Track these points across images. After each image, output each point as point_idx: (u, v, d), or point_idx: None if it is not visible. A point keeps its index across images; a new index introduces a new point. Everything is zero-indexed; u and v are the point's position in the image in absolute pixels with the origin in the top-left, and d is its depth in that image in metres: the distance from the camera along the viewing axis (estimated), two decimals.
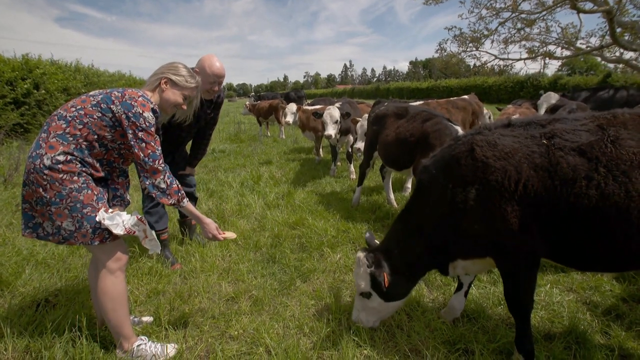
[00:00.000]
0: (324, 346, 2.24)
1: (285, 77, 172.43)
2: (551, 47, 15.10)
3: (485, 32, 15.48)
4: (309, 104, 9.78)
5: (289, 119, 7.93)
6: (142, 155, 1.95)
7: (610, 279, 2.91)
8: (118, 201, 2.23)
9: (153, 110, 1.99)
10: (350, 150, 6.66)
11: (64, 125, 1.92)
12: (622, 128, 1.74)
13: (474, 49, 16.88)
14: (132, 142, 1.95)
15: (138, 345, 2.12)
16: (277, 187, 5.85)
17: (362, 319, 2.38)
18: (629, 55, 12.99)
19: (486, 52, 15.91)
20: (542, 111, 6.30)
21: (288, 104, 8.42)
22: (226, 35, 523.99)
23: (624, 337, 2.25)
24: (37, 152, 1.90)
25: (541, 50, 15.34)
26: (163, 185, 2.02)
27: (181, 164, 3.56)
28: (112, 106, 1.93)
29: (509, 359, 2.09)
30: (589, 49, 13.90)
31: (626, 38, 12.10)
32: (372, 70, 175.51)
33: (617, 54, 13.55)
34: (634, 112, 1.80)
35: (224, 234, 2.26)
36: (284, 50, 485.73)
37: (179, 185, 2.10)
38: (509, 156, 1.82)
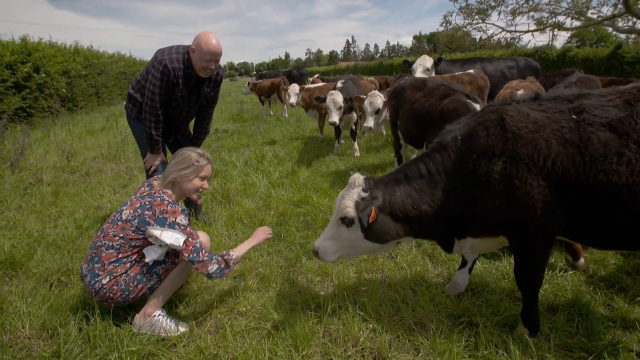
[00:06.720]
0: (330, 321, 2.29)
1: (287, 55, 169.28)
2: (561, 18, 14.62)
3: (493, 3, 14.99)
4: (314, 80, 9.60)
5: (293, 100, 7.83)
6: (186, 255, 2.15)
7: (615, 253, 2.92)
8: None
9: (183, 212, 2.21)
10: (353, 127, 6.60)
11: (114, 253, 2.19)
12: None
13: (480, 21, 16.38)
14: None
15: (158, 315, 2.22)
16: (281, 166, 5.85)
17: (327, 248, 2.11)
18: None
19: (493, 24, 15.47)
20: (417, 74, 6.08)
21: (290, 84, 8.29)
22: (224, 12, 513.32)
23: (627, 309, 2.27)
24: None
25: (550, 21, 14.86)
26: (215, 268, 2.21)
27: (185, 144, 3.55)
28: (152, 230, 2.14)
29: (512, 331, 2.12)
30: (600, 18, 13.42)
31: None
32: (375, 45, 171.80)
33: (630, 23, 13.07)
34: None
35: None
36: (284, 27, 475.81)
37: (224, 257, 2.25)
38: (541, 129, 1.75)
